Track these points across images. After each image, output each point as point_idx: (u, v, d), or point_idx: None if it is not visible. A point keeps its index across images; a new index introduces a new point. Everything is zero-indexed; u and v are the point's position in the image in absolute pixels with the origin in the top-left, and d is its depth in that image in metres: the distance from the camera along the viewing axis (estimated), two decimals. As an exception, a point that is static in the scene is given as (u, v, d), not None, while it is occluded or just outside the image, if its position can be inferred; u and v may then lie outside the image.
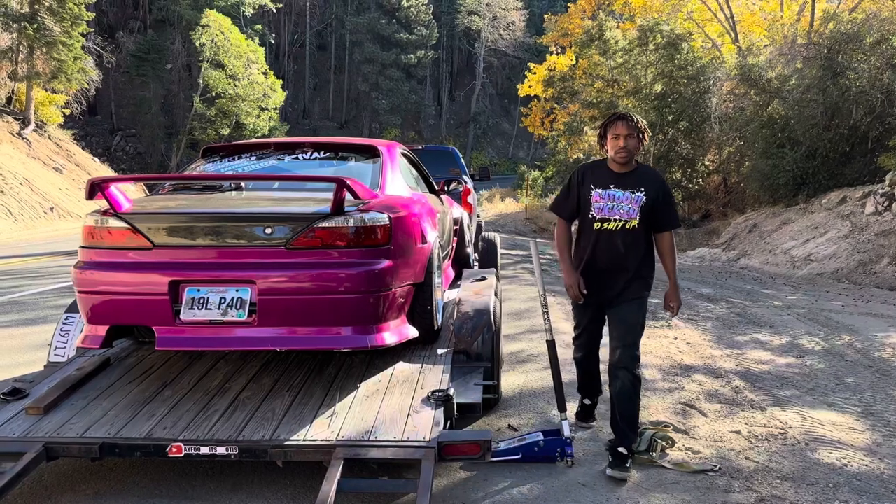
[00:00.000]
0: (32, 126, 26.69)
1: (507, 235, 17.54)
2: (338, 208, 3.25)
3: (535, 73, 30.54)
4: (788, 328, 6.87)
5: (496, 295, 4.49)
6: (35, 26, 25.31)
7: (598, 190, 3.56)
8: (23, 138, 25.78)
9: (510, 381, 4.84)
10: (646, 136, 3.59)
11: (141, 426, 3.10)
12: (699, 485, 3.35)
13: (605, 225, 3.55)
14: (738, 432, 4.03)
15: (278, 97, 39.39)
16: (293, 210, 3.44)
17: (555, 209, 3.79)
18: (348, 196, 3.30)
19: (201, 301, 3.24)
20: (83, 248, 3.46)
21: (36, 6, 25.63)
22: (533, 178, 32.46)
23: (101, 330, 3.39)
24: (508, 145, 61.85)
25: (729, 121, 18.41)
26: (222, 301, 3.23)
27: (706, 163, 20.46)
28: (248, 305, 3.21)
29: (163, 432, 3.04)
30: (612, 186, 3.55)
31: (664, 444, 3.71)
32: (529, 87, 30.93)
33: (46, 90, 27.45)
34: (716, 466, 3.53)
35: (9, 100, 27.34)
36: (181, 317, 3.22)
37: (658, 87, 20.20)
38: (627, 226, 3.52)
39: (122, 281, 3.31)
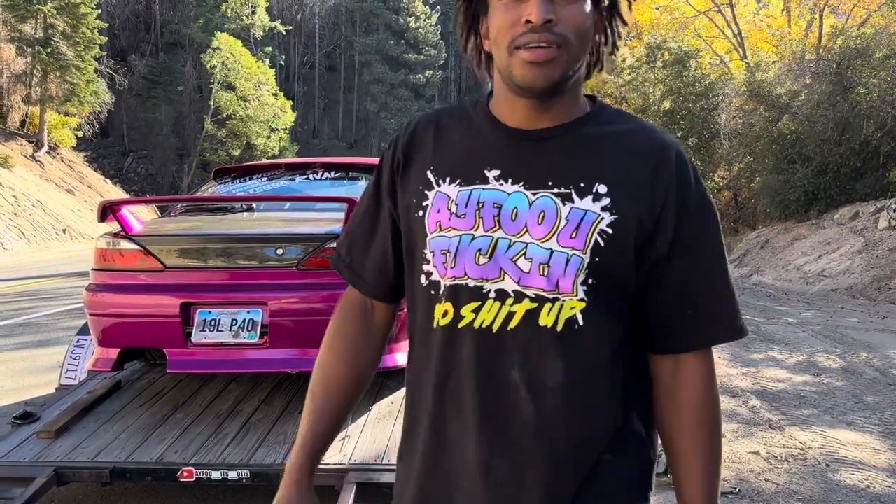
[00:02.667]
0: (45, 148, 27.01)
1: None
2: (349, 229, 3.23)
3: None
4: (804, 345, 6.79)
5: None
6: (49, 50, 25.72)
7: (446, 189, 1.01)
8: (36, 161, 26.07)
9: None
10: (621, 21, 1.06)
11: (152, 450, 3.07)
12: (719, 508, 3.28)
13: (466, 316, 0.97)
14: (756, 453, 3.96)
15: (288, 118, 39.73)
16: (304, 231, 3.43)
17: (336, 262, 1.20)
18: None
19: (213, 323, 3.22)
20: (95, 270, 3.46)
21: (50, 31, 26.05)
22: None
23: (113, 353, 3.38)
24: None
25: (739, 137, 18.37)
26: (234, 323, 3.21)
27: (716, 179, 20.41)
28: (259, 327, 3.19)
29: (174, 456, 3.01)
30: (493, 178, 0.99)
31: (682, 465, 3.64)
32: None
33: (59, 113, 27.82)
34: (735, 489, 3.46)
35: (22, 123, 27.71)
36: (192, 339, 3.20)
37: (667, 104, 20.22)
38: (546, 316, 0.95)
39: (133, 303, 3.30)
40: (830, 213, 14.29)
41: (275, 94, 38.90)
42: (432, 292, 0.98)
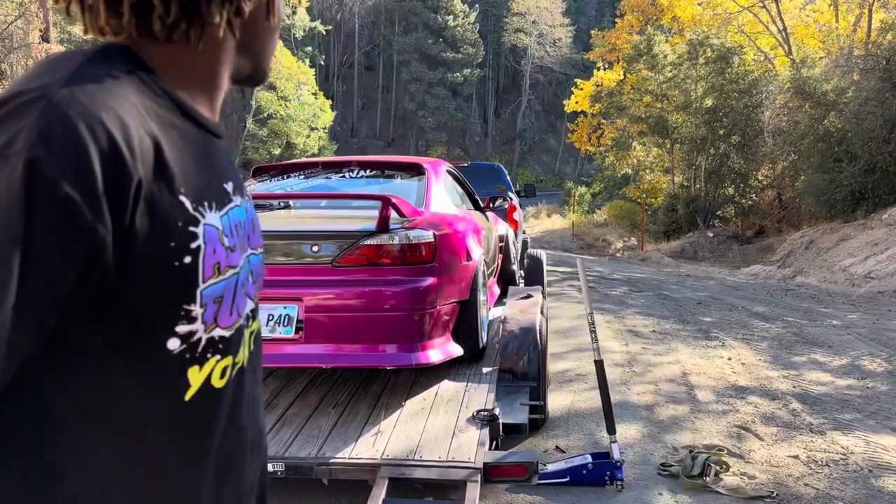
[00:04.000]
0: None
1: (553, 252, 17.41)
2: (383, 226, 3.27)
3: (581, 89, 30.40)
4: (848, 348, 6.61)
5: (542, 313, 4.44)
6: (97, 52, 26.43)
7: (211, 219, 0.76)
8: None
9: (557, 402, 4.77)
10: None
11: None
12: (755, 512, 3.22)
13: (241, 358, 0.84)
14: (796, 457, 3.88)
15: (327, 117, 40.10)
16: (339, 228, 3.47)
17: None
18: (394, 214, 3.32)
19: (250, 318, 3.28)
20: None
21: (98, 33, 26.76)
22: (580, 194, 32.19)
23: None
24: (555, 162, 61.55)
25: (783, 135, 17.94)
26: (270, 318, 3.27)
27: (759, 178, 19.97)
28: (295, 322, 3.24)
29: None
30: (231, 191, 0.82)
31: (718, 468, 3.59)
32: (576, 102, 30.78)
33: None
34: (773, 493, 3.40)
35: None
36: (230, 333, 3.27)
37: (709, 101, 19.85)
38: (255, 321, 0.92)
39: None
40: (878, 213, 13.86)
41: (314, 94, 39.31)
42: (187, 356, 0.74)
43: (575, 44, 56.95)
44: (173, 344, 0.73)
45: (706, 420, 4.49)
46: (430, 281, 3.33)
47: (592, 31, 39.00)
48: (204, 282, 0.74)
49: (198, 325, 0.74)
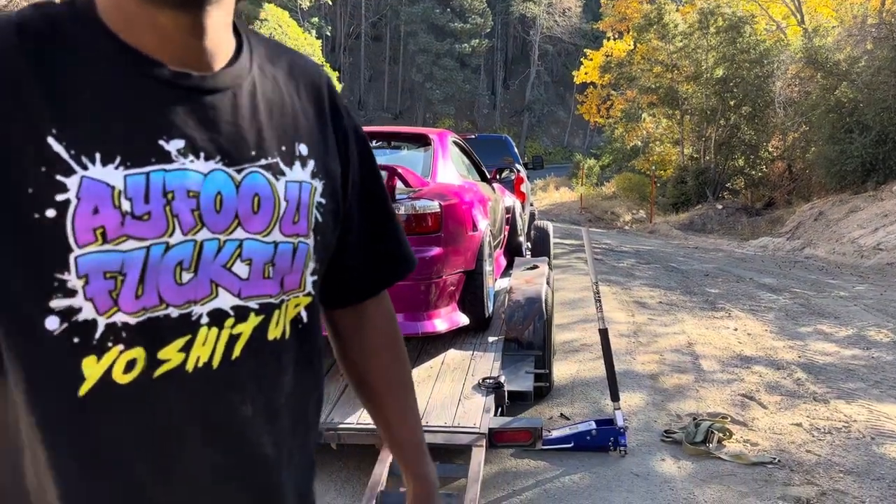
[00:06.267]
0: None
1: (561, 225, 17.38)
2: (390, 196, 3.29)
3: (591, 60, 30.06)
4: (855, 319, 6.62)
5: (548, 283, 4.47)
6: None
7: (101, 174, 0.65)
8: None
9: (562, 370, 4.82)
10: None
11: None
12: (757, 477, 3.28)
13: (172, 359, 0.69)
14: (799, 425, 3.92)
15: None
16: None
17: None
18: (399, 184, 3.34)
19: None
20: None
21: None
22: (588, 166, 32.01)
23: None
24: (564, 134, 61.11)
25: (794, 105, 17.73)
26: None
27: (770, 149, 19.79)
28: (302, 292, 3.29)
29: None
30: (177, 152, 0.68)
31: (721, 435, 3.64)
32: (585, 73, 30.47)
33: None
34: (775, 459, 3.45)
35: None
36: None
37: (719, 72, 19.61)
38: (275, 327, 0.77)
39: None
40: (889, 185, 13.74)
41: (321, 65, 39.11)
42: (76, 340, 0.64)
43: (584, 13, 56.20)
44: (52, 323, 0.63)
45: (710, 389, 4.53)
46: (435, 251, 3.36)
47: (602, 1, 38.45)
48: (79, 246, 0.63)
49: (80, 302, 0.63)
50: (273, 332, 0.75)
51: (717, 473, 3.32)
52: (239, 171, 0.72)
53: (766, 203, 19.10)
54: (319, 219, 0.80)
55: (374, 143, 4.39)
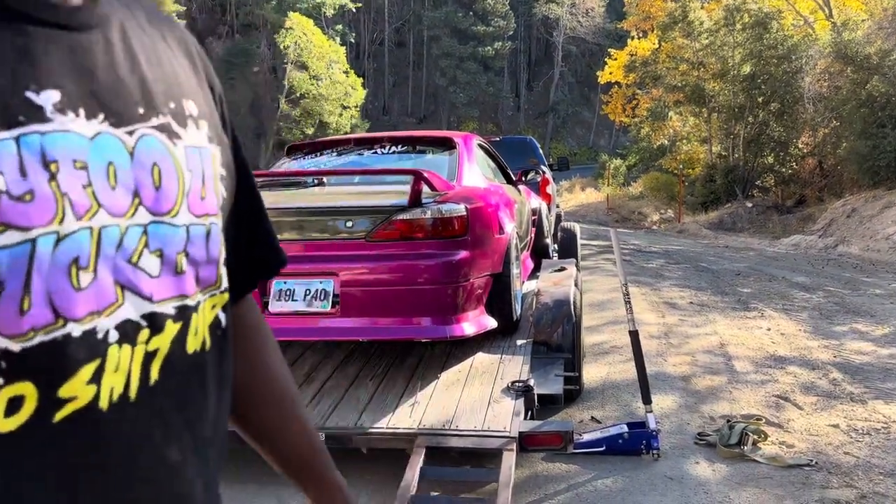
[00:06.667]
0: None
1: (588, 226, 17.27)
2: (415, 200, 3.30)
3: (615, 59, 29.85)
4: (891, 317, 6.46)
5: (576, 285, 4.44)
6: (132, 37, 26.91)
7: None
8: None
9: (592, 373, 4.78)
10: None
11: (234, 413, 3.24)
12: (794, 480, 3.21)
13: (79, 396, 0.51)
14: (836, 426, 3.84)
15: (359, 95, 40.13)
16: (372, 203, 3.51)
17: None
18: (426, 188, 3.35)
19: (288, 293, 3.36)
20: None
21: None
22: (615, 166, 31.76)
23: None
24: (589, 134, 60.73)
25: (824, 101, 17.41)
26: (307, 293, 3.34)
27: (800, 145, 19.44)
28: (331, 296, 3.31)
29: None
30: (53, 108, 0.51)
31: (756, 437, 3.58)
32: (610, 73, 30.25)
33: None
34: (812, 461, 3.38)
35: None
36: (270, 308, 3.36)
37: (746, 69, 19.33)
38: (194, 336, 0.62)
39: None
40: (926, 180, 13.41)
41: (346, 72, 39.34)
42: None
43: (608, 13, 55.82)
44: None
45: (744, 390, 4.46)
46: (462, 254, 3.36)
47: (626, 0, 38.17)
48: None
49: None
50: (192, 344, 0.60)
51: (753, 476, 3.26)
52: (130, 134, 0.56)
53: (797, 200, 18.76)
54: (224, 194, 0.66)
55: (399, 148, 4.40)
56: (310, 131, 37.55)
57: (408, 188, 3.31)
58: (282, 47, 36.78)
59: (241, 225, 0.74)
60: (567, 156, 18.57)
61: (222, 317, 0.65)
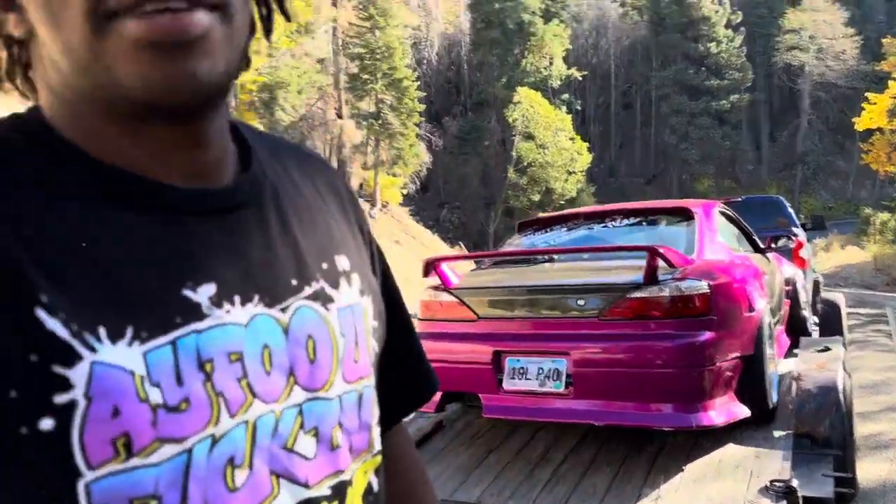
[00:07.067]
0: (378, 206, 31.27)
1: (852, 291, 15.24)
2: (651, 277, 3.15)
3: (875, 104, 26.71)
4: None
5: (845, 369, 3.88)
6: (380, 122, 29.96)
7: (114, 355, 0.46)
8: (372, 217, 30.28)
9: (868, 471, 4.10)
10: None
11: (471, 490, 3.27)
12: None
13: None
14: None
15: (584, 160, 40.40)
16: (604, 280, 3.42)
17: None
18: (662, 264, 3.18)
19: (521, 371, 3.37)
20: (420, 320, 3.87)
21: (380, 105, 30.35)
22: (881, 221, 27.96)
23: (436, 395, 3.72)
24: (846, 186, 54.39)
25: None
26: (540, 372, 3.31)
27: None
28: (564, 377, 3.25)
29: (490, 499, 3.17)
30: (208, 302, 0.51)
31: None
32: (870, 118, 27.11)
33: (389, 175, 32.08)
34: None
35: (360, 186, 32.48)
36: (504, 386, 3.38)
37: None
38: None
39: (452, 350, 3.61)
40: None
41: (571, 139, 39.96)
42: None
43: (862, 54, 50.48)
44: None
45: None
46: (706, 335, 3.11)
47: (884, 40, 34.20)
48: (91, 468, 0.43)
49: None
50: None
51: None
52: (284, 311, 0.54)
53: None
54: (377, 347, 0.64)
55: (631, 220, 4.27)
56: (536, 198, 38.42)
57: (643, 264, 3.18)
58: (510, 120, 38.49)
59: (396, 361, 0.72)
60: (821, 211, 16.78)
61: (374, 481, 0.62)
